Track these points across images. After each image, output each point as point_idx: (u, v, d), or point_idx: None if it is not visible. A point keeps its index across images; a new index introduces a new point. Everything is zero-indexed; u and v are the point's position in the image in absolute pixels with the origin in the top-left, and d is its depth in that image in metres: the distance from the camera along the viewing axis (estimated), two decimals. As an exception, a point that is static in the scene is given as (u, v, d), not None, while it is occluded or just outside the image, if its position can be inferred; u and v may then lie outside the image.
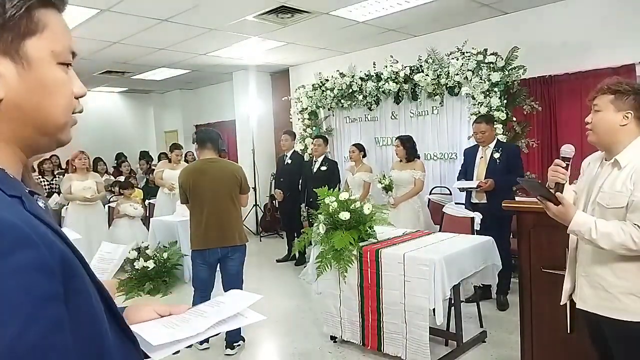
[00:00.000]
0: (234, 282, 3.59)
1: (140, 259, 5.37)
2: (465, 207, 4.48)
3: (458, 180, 4.56)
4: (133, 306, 0.96)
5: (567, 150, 1.90)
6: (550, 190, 1.86)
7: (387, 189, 5.12)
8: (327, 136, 6.55)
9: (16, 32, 0.61)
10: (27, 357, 0.50)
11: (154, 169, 7.66)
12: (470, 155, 4.54)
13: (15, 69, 0.62)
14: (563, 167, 1.86)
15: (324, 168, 5.96)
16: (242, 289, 3.69)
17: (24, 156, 0.68)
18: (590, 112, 1.91)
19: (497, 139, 4.48)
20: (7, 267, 0.51)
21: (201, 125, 9.82)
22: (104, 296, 0.66)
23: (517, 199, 3.78)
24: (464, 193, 4.55)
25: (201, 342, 3.61)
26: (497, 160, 4.26)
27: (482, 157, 4.40)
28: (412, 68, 5.74)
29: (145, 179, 8.46)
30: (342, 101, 6.78)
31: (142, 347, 0.82)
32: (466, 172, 4.49)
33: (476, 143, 4.51)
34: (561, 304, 2.09)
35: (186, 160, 8.43)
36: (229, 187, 3.58)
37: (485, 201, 4.30)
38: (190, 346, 0.90)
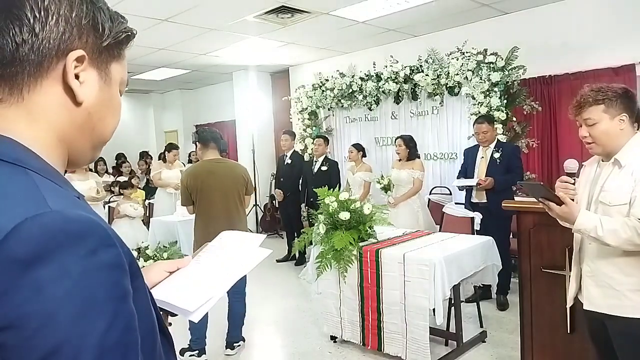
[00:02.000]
0: (238, 282, 3.57)
1: (140, 259, 5.36)
2: (465, 207, 4.48)
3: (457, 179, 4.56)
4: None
5: (571, 165, 1.93)
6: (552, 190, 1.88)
7: (386, 189, 5.11)
8: (327, 136, 6.55)
9: (110, 53, 0.70)
10: (112, 352, 0.53)
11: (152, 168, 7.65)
12: (470, 155, 4.54)
13: (99, 82, 0.69)
14: (571, 183, 1.90)
15: (324, 168, 5.96)
16: (245, 289, 3.69)
17: (64, 167, 0.71)
18: (579, 125, 1.92)
19: (497, 139, 4.48)
20: (93, 265, 0.54)
21: (201, 125, 9.81)
22: (150, 295, 0.69)
23: (517, 198, 3.78)
24: (464, 193, 4.55)
25: (199, 354, 3.52)
26: (497, 160, 4.27)
27: (482, 157, 4.39)
28: (412, 68, 5.74)
29: (146, 179, 8.46)
30: (342, 101, 6.78)
31: (177, 312, 0.88)
32: (466, 172, 4.49)
33: (476, 143, 4.51)
34: (567, 306, 2.08)
35: (190, 161, 8.44)
36: (237, 187, 3.56)
37: (485, 201, 4.30)
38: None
